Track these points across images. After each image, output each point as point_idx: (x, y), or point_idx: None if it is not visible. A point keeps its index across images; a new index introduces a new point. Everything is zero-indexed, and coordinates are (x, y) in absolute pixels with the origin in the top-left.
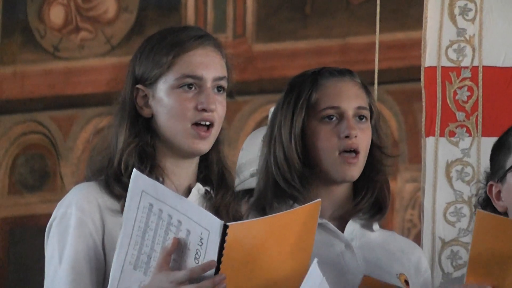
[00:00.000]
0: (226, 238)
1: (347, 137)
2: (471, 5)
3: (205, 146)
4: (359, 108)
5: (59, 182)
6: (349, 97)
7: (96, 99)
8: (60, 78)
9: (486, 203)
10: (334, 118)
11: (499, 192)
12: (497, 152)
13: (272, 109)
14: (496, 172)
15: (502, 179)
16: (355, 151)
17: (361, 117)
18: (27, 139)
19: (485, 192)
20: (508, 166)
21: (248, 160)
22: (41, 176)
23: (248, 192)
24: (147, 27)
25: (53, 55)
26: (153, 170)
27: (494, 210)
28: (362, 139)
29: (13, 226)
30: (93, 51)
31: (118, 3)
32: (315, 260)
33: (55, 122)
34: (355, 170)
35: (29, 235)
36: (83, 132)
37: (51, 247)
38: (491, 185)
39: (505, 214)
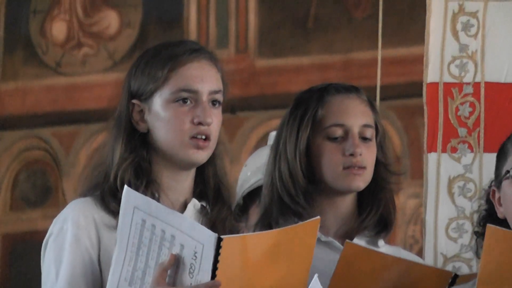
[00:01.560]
0: (221, 251)
1: (351, 155)
2: (473, 21)
3: (203, 156)
4: (365, 125)
5: (61, 197)
6: (355, 115)
7: (98, 115)
8: (62, 93)
9: (486, 221)
10: (339, 136)
11: (500, 198)
12: (497, 158)
13: (272, 133)
14: (496, 178)
15: (499, 186)
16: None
17: (365, 139)
18: (29, 155)
19: (485, 210)
20: (503, 173)
21: (253, 170)
22: (43, 191)
23: (257, 194)
24: (150, 43)
25: (55, 70)
26: (149, 185)
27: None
28: (367, 156)
29: (15, 242)
30: (95, 67)
31: (121, 19)
32: (316, 276)
33: (57, 138)
34: (361, 180)
35: (31, 251)
36: (85, 148)
37: (47, 263)
38: (494, 191)
39: (505, 220)
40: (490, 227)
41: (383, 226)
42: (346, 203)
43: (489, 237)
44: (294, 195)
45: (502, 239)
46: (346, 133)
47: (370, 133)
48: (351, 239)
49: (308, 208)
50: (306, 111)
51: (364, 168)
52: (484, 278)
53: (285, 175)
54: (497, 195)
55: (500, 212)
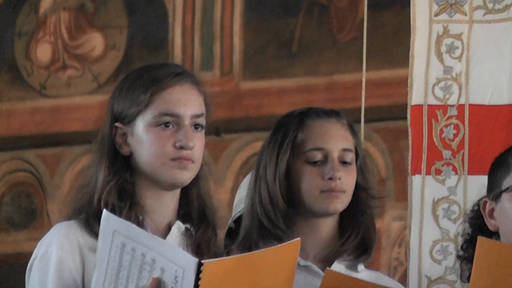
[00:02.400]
0: (201, 275)
1: (330, 178)
2: (458, 43)
3: (186, 176)
4: (345, 150)
5: (46, 220)
6: (334, 139)
7: (83, 137)
8: (47, 116)
9: (469, 245)
10: (319, 160)
11: (492, 210)
12: (496, 169)
13: None
14: (492, 189)
15: (497, 198)
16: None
17: (344, 163)
18: (13, 177)
19: (469, 234)
20: (504, 186)
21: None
22: (28, 214)
23: None
24: (135, 65)
25: (40, 92)
26: (132, 207)
27: (474, 253)
28: (347, 180)
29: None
30: (80, 89)
31: (106, 41)
32: None
33: (41, 160)
34: (338, 203)
35: (16, 273)
36: (70, 170)
37: (32, 286)
38: (485, 202)
39: (496, 233)
40: (481, 239)
41: (363, 250)
42: (326, 227)
43: (480, 249)
44: (273, 219)
45: (492, 250)
46: (326, 157)
47: (350, 157)
48: (331, 263)
49: (288, 232)
50: (286, 135)
51: (343, 191)
52: None
53: (265, 198)
54: (489, 207)
55: (492, 224)
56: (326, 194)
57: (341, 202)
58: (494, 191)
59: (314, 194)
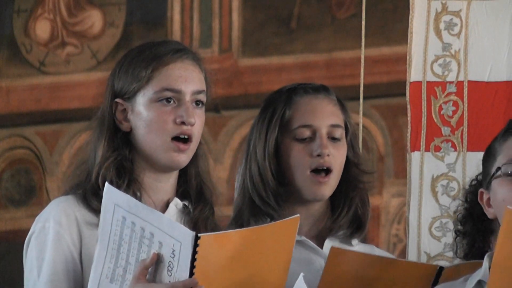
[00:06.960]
0: (198, 249)
1: (319, 155)
2: (456, 20)
3: (184, 159)
4: (333, 126)
5: (45, 196)
6: (322, 115)
7: (82, 114)
8: (46, 93)
9: (466, 220)
10: (307, 137)
11: (488, 199)
12: (485, 159)
13: None
14: (484, 179)
15: (488, 186)
16: (327, 170)
17: (334, 139)
18: (13, 154)
19: (465, 209)
20: (492, 173)
21: None
22: (27, 190)
23: None
24: (133, 42)
25: (39, 70)
26: (131, 184)
27: (473, 228)
28: (336, 157)
29: None
30: (79, 66)
31: (104, 18)
32: (301, 275)
33: (41, 137)
34: (326, 189)
35: (15, 250)
36: (69, 147)
37: (29, 261)
38: (482, 192)
39: (496, 221)
40: (508, 209)
41: (356, 226)
42: (318, 205)
43: (508, 220)
44: (264, 196)
45: None
46: (314, 134)
47: (339, 133)
48: (324, 239)
49: (279, 210)
50: (274, 112)
51: (330, 172)
52: (499, 261)
53: (255, 177)
54: (485, 197)
55: (490, 213)
56: (314, 178)
57: (329, 187)
58: (486, 180)
59: (304, 173)
